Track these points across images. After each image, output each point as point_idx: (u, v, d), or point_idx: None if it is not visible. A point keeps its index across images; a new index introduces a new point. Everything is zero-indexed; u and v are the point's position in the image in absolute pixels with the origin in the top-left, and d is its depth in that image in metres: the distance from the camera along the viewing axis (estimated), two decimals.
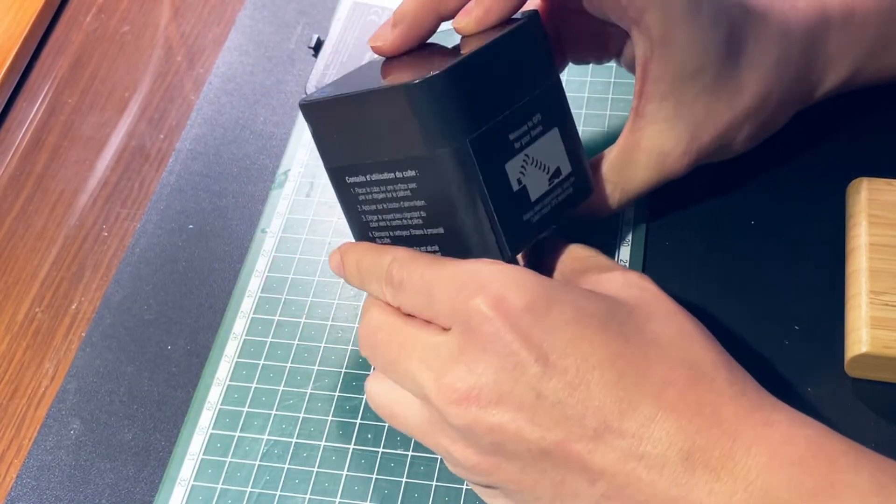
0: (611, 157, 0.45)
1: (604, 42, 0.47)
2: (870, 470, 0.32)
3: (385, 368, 0.39)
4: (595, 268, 0.40)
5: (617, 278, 0.39)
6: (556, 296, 0.35)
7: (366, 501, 0.43)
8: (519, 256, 0.42)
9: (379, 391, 0.40)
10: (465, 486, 0.42)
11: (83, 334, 0.50)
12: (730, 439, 0.33)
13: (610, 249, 0.48)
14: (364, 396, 0.45)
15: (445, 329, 0.37)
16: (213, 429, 0.45)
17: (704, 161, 0.46)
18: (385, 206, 0.41)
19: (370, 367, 0.46)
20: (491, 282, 0.35)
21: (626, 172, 0.45)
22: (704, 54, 0.42)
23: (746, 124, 0.45)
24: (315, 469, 0.44)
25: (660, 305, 0.37)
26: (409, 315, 0.39)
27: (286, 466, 0.44)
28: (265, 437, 0.45)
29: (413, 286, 0.38)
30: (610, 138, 0.51)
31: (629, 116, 0.44)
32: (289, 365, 0.47)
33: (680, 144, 0.44)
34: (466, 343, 0.35)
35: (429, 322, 0.38)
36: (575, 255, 0.42)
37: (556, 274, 0.42)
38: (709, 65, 0.42)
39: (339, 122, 0.41)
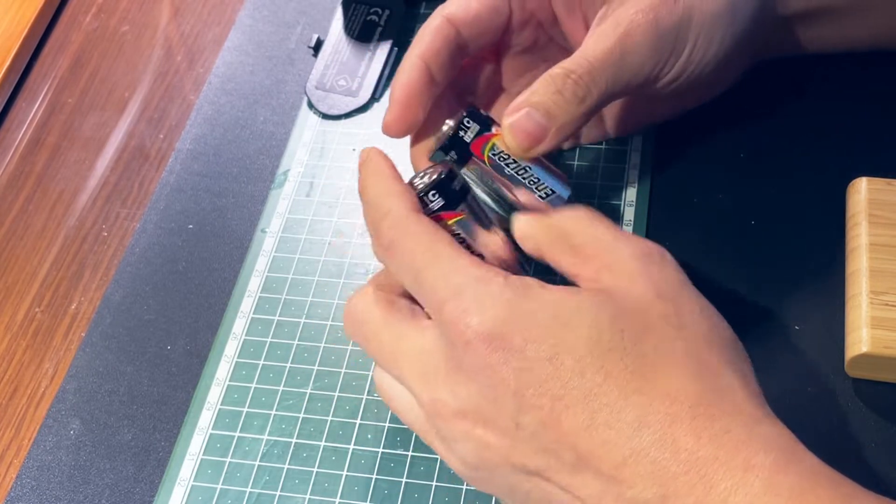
0: (598, 62, 0.42)
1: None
2: None
3: (378, 362, 0.39)
4: (604, 251, 0.37)
5: (628, 266, 0.36)
6: (536, 330, 0.34)
7: (366, 501, 0.43)
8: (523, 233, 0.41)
9: (382, 381, 0.40)
10: (465, 487, 0.42)
11: (83, 334, 0.50)
12: (706, 487, 0.31)
13: None
14: (364, 396, 0.45)
15: (428, 322, 0.37)
16: (213, 429, 0.45)
17: (661, 43, 0.44)
18: None
19: (370, 367, 0.46)
20: (474, 306, 0.35)
21: (626, 60, 0.43)
22: None
23: None
24: (315, 469, 0.44)
25: (667, 304, 0.35)
26: (391, 300, 0.39)
27: (286, 466, 0.44)
28: (265, 437, 0.45)
29: (401, 260, 0.37)
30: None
31: (588, 33, 0.44)
32: (289, 365, 0.47)
33: (637, 4, 0.42)
34: (451, 362, 0.35)
35: (425, 321, 0.37)
36: (581, 233, 0.38)
37: (560, 257, 0.38)
38: None
39: None
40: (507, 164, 0.43)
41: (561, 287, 0.36)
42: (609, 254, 0.37)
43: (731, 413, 0.33)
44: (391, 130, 0.45)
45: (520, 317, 0.34)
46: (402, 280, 0.38)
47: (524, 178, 0.43)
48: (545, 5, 0.47)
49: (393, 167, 0.40)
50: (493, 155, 0.43)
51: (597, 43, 0.43)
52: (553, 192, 0.43)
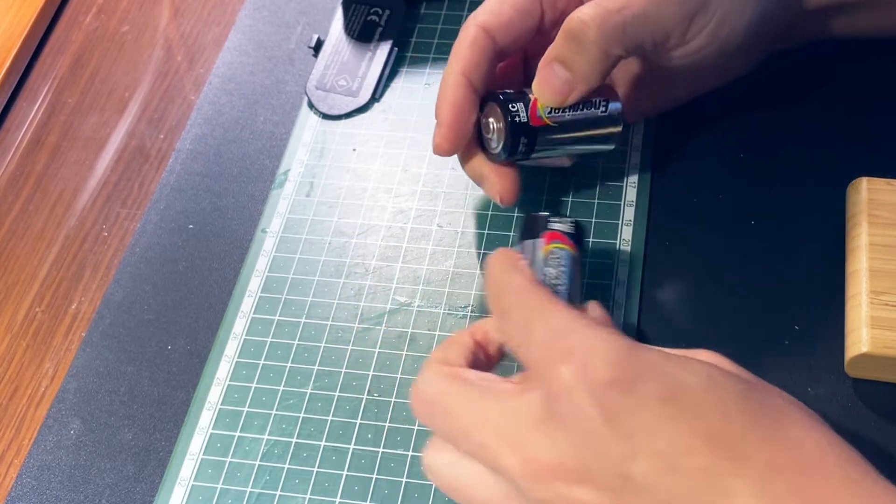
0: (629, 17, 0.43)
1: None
2: None
3: (453, 439, 0.35)
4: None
5: (700, 355, 0.35)
6: (649, 368, 0.32)
7: (366, 501, 0.43)
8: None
9: (441, 465, 0.36)
10: None
11: (83, 334, 0.50)
12: None
13: (610, 247, 0.48)
14: (364, 396, 0.45)
15: (512, 386, 0.34)
16: (213, 429, 0.45)
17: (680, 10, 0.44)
18: None
19: (369, 367, 0.46)
20: (579, 348, 0.32)
21: (648, 12, 0.43)
22: None
23: None
24: (315, 469, 0.44)
25: (756, 380, 0.34)
26: (456, 373, 0.36)
27: (286, 466, 0.44)
28: (265, 437, 0.45)
29: (514, 318, 0.35)
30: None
31: None
32: (289, 365, 0.47)
33: None
34: (548, 412, 0.32)
35: (503, 385, 0.35)
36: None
37: None
38: None
39: None
40: (564, 111, 0.44)
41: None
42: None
43: (854, 465, 0.31)
44: (443, 150, 0.45)
45: (628, 359, 0.32)
46: (514, 346, 0.35)
47: (585, 109, 0.45)
48: (575, 4, 0.46)
49: (520, 259, 0.38)
50: (550, 113, 0.44)
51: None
52: (607, 106, 0.45)
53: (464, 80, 0.44)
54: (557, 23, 0.46)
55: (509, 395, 0.34)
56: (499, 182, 0.45)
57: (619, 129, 0.46)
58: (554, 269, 0.41)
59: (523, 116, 0.44)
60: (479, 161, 0.46)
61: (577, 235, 0.42)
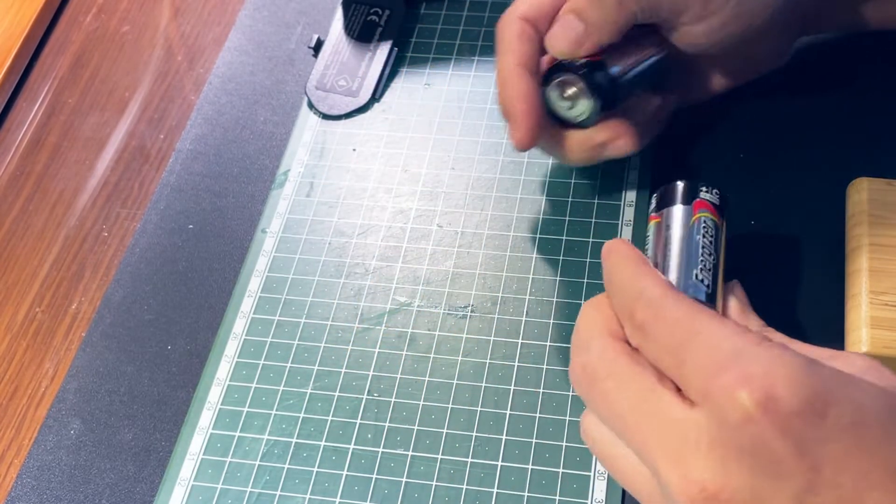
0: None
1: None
2: None
3: (610, 423, 0.34)
4: (825, 356, 0.34)
5: (859, 361, 0.33)
6: (833, 393, 0.30)
7: (366, 501, 0.43)
8: None
9: (599, 438, 0.35)
10: (464, 487, 0.42)
11: (83, 334, 0.50)
12: None
13: None
14: (364, 396, 0.45)
15: (692, 403, 0.32)
16: (213, 429, 0.45)
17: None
18: None
19: (369, 367, 0.46)
20: (758, 371, 0.30)
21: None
22: None
23: None
24: (315, 469, 0.44)
25: None
26: (632, 354, 0.34)
27: (286, 466, 0.44)
28: (265, 437, 0.45)
29: (660, 339, 0.33)
30: None
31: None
32: (289, 365, 0.47)
33: None
34: (722, 437, 0.30)
35: (672, 385, 0.33)
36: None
37: None
38: None
39: None
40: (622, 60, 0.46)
41: (830, 351, 0.34)
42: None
43: None
44: (525, 145, 0.45)
45: (811, 384, 0.30)
46: (660, 363, 0.33)
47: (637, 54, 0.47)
48: None
49: (640, 254, 0.37)
50: (607, 57, 0.45)
51: None
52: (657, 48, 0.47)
53: (524, 72, 0.45)
54: None
55: (674, 405, 0.32)
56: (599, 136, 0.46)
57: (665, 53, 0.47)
58: (703, 239, 0.39)
59: (594, 71, 0.45)
60: (556, 134, 0.47)
61: (723, 208, 0.41)
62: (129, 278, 0.51)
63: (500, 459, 0.43)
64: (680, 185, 0.41)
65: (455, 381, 0.45)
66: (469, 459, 0.43)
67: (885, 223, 0.44)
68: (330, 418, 0.45)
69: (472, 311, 0.48)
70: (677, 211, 0.40)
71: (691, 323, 0.33)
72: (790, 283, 0.46)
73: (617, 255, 0.37)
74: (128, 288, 0.51)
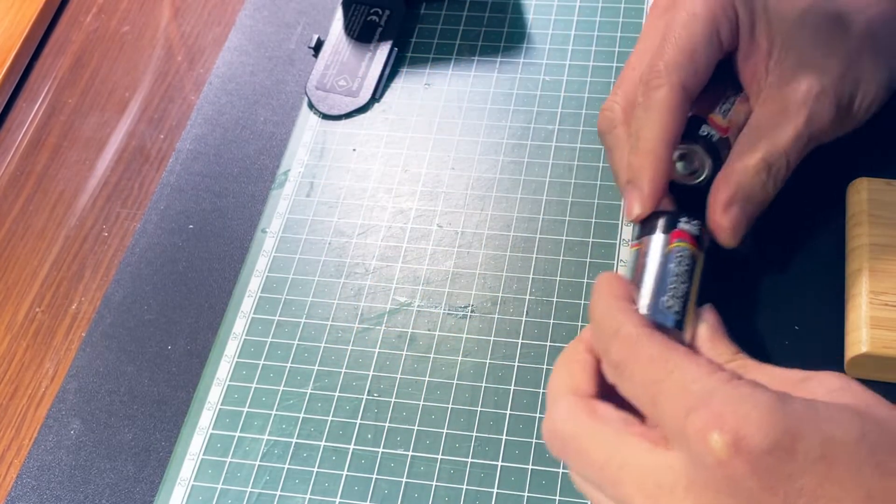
0: (746, 132, 0.44)
1: None
2: None
3: (589, 479, 0.35)
4: (796, 380, 0.35)
5: (831, 382, 0.34)
6: (802, 428, 0.30)
7: (366, 501, 0.43)
8: None
9: (587, 490, 0.36)
10: (464, 487, 0.42)
11: (83, 334, 0.50)
12: None
13: (610, 250, 0.48)
14: (364, 396, 0.45)
15: (665, 444, 0.33)
16: (213, 429, 0.45)
17: (839, 117, 0.44)
18: None
19: (369, 367, 0.46)
20: (727, 412, 0.31)
21: (770, 134, 0.43)
22: None
23: (865, 56, 0.44)
24: (315, 469, 0.44)
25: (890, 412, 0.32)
26: (592, 408, 0.35)
27: (286, 466, 0.44)
28: (265, 437, 0.45)
29: (634, 377, 0.34)
30: None
31: (742, 98, 0.45)
32: (289, 365, 0.47)
33: (815, 83, 0.43)
34: (698, 479, 0.31)
35: (642, 428, 0.34)
36: (771, 375, 0.36)
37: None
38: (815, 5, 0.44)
39: None
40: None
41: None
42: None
43: None
44: (645, 214, 0.43)
45: (781, 420, 0.30)
46: (635, 401, 0.34)
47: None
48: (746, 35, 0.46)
49: (624, 288, 0.38)
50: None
51: (784, 130, 0.43)
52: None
53: (667, 151, 0.43)
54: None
55: (648, 448, 0.33)
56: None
57: None
58: (677, 267, 0.40)
59: (715, 136, 0.46)
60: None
61: (702, 238, 0.42)
62: (129, 278, 0.51)
63: (500, 459, 0.43)
64: (660, 215, 0.42)
65: (455, 381, 0.45)
66: (469, 459, 0.43)
67: (885, 223, 0.44)
68: (330, 418, 0.45)
69: (472, 311, 0.48)
70: (656, 240, 0.41)
71: (664, 363, 0.33)
72: (790, 283, 0.46)
73: (599, 289, 0.38)
74: (128, 288, 0.51)
